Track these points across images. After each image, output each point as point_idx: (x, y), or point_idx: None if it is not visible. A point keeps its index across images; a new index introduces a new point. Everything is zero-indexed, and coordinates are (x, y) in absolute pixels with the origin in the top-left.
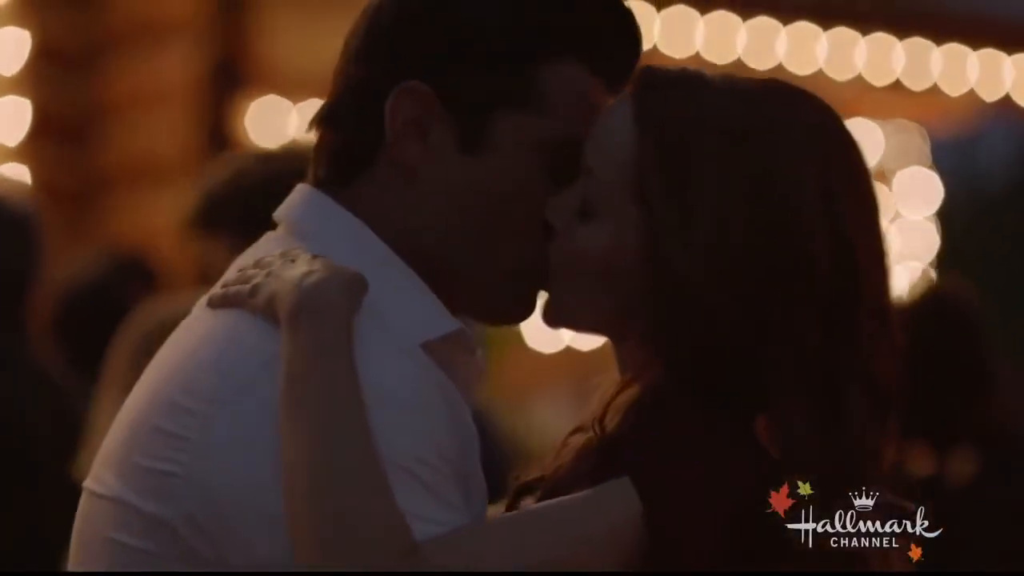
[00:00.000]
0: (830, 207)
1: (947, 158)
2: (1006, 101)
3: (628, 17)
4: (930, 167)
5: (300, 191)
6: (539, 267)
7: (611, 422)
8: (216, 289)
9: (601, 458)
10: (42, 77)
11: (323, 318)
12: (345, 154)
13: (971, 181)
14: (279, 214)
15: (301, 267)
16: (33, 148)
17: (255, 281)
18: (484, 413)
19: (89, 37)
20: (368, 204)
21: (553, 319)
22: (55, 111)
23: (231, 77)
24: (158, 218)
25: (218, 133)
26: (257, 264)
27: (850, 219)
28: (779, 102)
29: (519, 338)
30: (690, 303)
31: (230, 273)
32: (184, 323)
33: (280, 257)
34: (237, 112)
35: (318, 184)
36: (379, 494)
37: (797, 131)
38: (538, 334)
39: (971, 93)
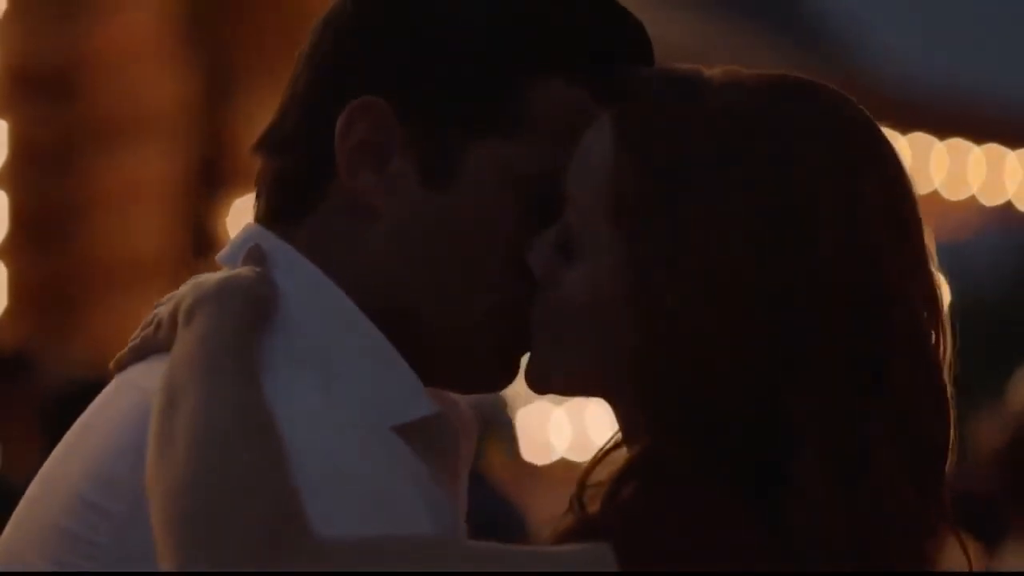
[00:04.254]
0: (856, 228)
1: (945, 261)
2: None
3: (637, 27)
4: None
5: (243, 230)
6: (522, 321)
7: (595, 498)
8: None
9: (583, 536)
10: (19, 173)
11: (220, 313)
12: (292, 185)
13: (969, 285)
14: (222, 257)
15: (203, 277)
16: (11, 246)
17: (159, 315)
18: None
19: (68, 132)
20: (320, 245)
21: (537, 380)
22: (32, 208)
23: (213, 175)
24: (137, 319)
25: (200, 233)
26: (153, 312)
27: (883, 246)
28: (791, 98)
29: (510, 447)
30: (683, 348)
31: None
32: (96, 400)
33: (185, 284)
34: (219, 211)
35: (262, 221)
36: (268, 471)
37: (814, 132)
38: (531, 444)
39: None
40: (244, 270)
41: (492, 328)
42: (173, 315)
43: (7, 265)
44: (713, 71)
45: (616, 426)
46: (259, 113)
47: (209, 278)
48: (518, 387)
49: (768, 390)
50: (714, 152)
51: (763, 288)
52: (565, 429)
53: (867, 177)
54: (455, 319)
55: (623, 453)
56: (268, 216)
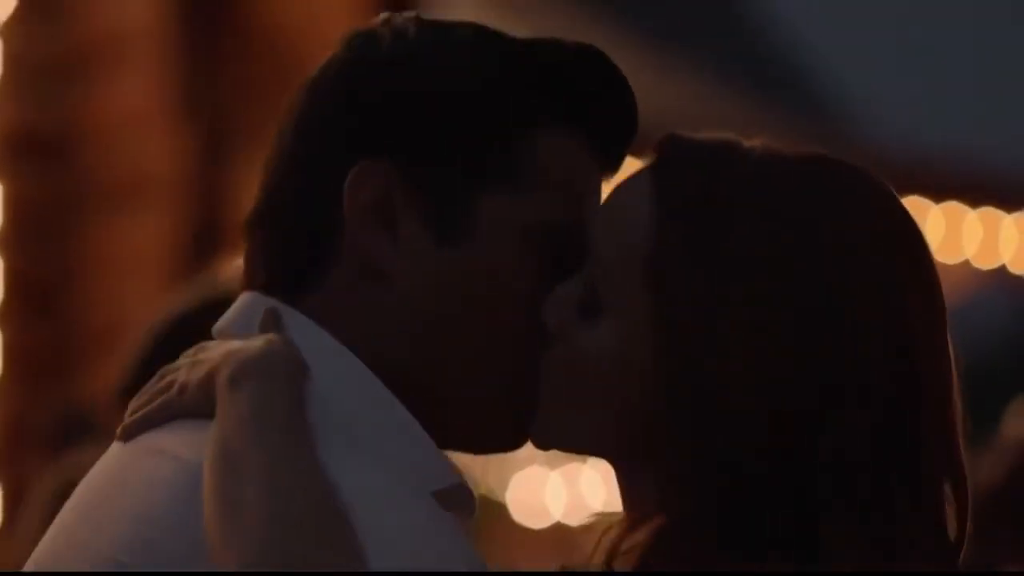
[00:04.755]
0: (893, 304)
1: None
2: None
3: (623, 82)
4: None
5: (245, 299)
6: (535, 380)
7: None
8: (126, 419)
9: None
10: (15, 238)
11: (271, 385)
12: (292, 253)
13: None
14: (220, 327)
15: (232, 344)
16: (6, 311)
17: (179, 380)
18: None
19: (64, 197)
20: (330, 313)
21: (545, 439)
22: (28, 273)
23: (211, 240)
24: None
25: None
26: (162, 375)
27: (915, 320)
28: (832, 178)
29: (503, 510)
30: (718, 420)
31: (134, 403)
32: (105, 467)
33: (195, 351)
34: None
35: (261, 290)
36: (346, 564)
37: (855, 215)
38: (524, 507)
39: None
40: (275, 339)
41: (507, 387)
42: (204, 383)
43: (2, 330)
44: (753, 143)
45: (612, 490)
46: (257, 178)
47: (246, 347)
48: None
49: (800, 457)
50: (759, 228)
51: (802, 365)
52: (560, 493)
53: (903, 251)
54: (470, 380)
55: (617, 513)
56: (268, 285)
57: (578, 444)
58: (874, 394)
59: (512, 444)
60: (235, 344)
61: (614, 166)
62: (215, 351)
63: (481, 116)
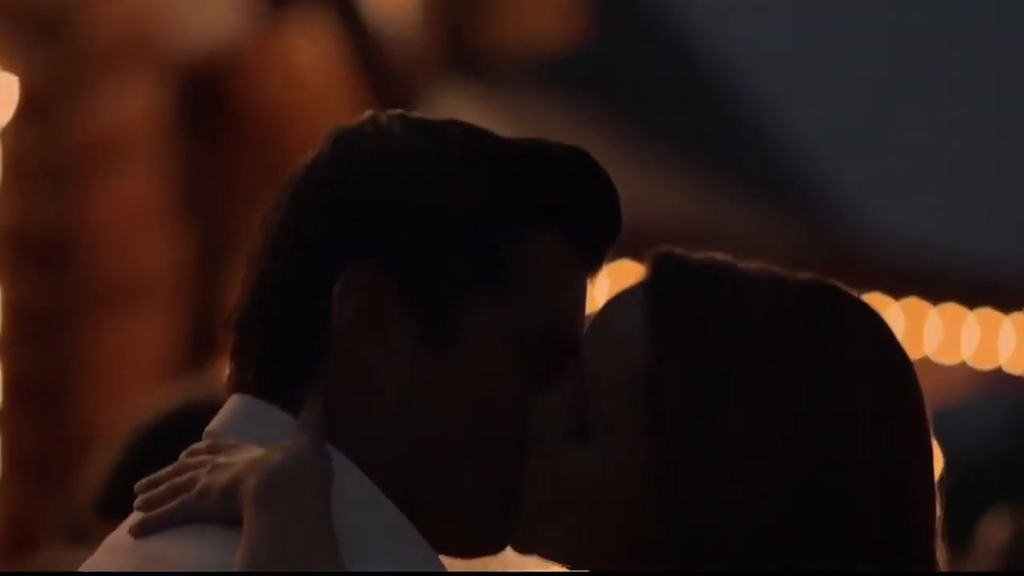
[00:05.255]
0: (891, 442)
1: (936, 427)
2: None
3: (608, 184)
4: None
5: (237, 401)
6: (520, 487)
7: None
8: (132, 519)
9: None
10: (13, 340)
11: (300, 497)
12: (281, 355)
13: (960, 450)
14: (213, 428)
15: (255, 451)
16: (5, 412)
17: (200, 481)
18: None
19: (62, 299)
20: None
21: (527, 547)
22: (26, 376)
23: (208, 342)
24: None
25: None
26: (180, 468)
27: (906, 451)
28: (828, 306)
29: None
30: (710, 550)
31: (147, 491)
32: (98, 565)
33: (212, 450)
34: (214, 379)
35: (251, 393)
36: None
37: (852, 343)
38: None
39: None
40: (305, 447)
41: (494, 493)
42: (227, 489)
43: (2, 432)
44: (750, 266)
45: None
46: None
47: (271, 455)
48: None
49: None
50: (757, 356)
51: (796, 491)
52: None
53: (894, 380)
54: (460, 486)
55: None
56: (259, 388)
57: (561, 557)
58: (869, 525)
59: (497, 549)
60: (257, 451)
61: (597, 266)
62: (237, 456)
63: (468, 219)
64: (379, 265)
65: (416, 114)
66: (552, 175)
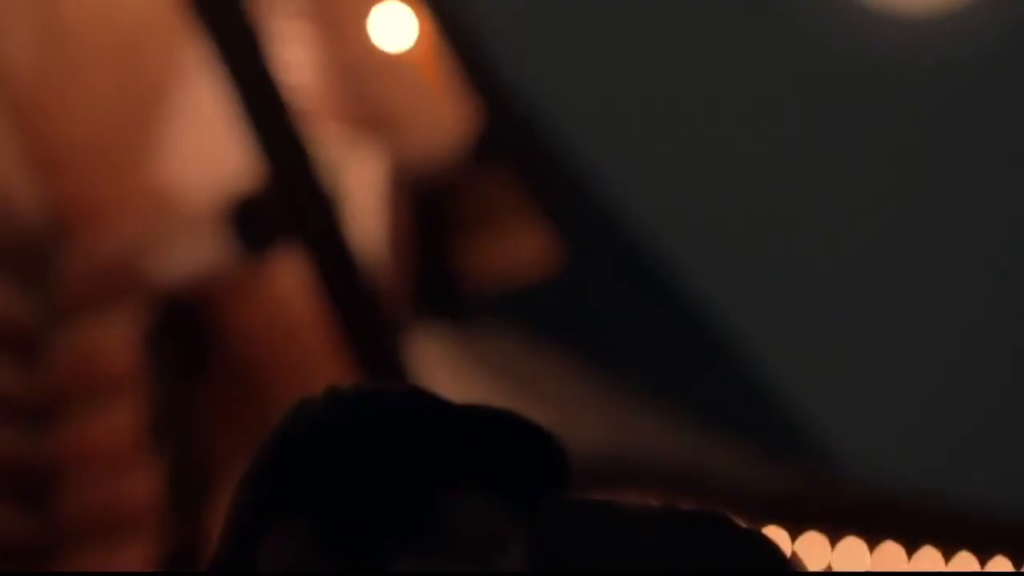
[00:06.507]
0: None
1: None
2: None
3: (548, 445)
4: None
5: None
6: None
7: None
8: None
9: None
10: None
11: None
12: None
13: None
14: None
15: None
16: None
17: None
18: None
19: (40, 533)
20: None
21: None
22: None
23: (187, 573)
24: None
25: None
26: None
27: None
28: (709, 547)
29: None
30: None
31: None
32: None
33: None
34: None
35: None
36: None
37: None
38: None
39: None
40: None
41: None
42: None
43: None
44: (631, 505)
45: None
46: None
47: None
48: None
49: None
50: None
51: None
52: None
53: None
54: None
55: None
56: None
57: None
58: None
59: None
60: None
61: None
62: None
63: (394, 481)
64: (309, 521)
65: (375, 385)
66: (484, 441)
